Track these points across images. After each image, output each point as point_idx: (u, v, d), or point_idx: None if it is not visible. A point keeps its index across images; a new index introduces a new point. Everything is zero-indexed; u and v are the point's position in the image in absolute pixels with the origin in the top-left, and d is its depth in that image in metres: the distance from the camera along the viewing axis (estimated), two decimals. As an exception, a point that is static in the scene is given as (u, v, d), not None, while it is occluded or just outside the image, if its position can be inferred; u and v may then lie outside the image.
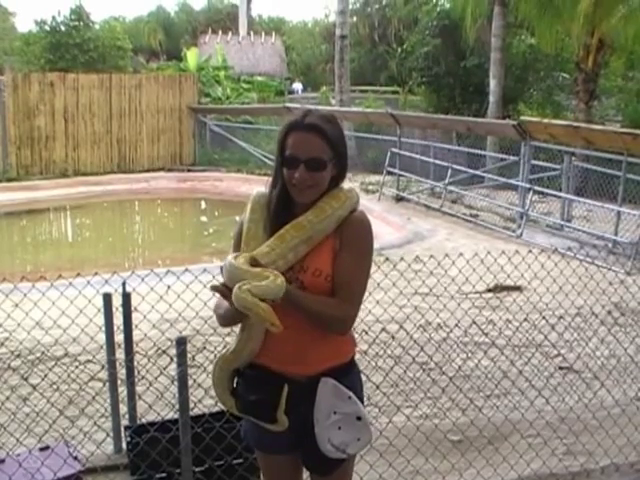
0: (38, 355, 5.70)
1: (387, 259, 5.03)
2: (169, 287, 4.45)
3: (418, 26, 27.04)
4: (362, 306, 5.57)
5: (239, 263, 2.46)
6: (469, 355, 6.10)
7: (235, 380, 2.78)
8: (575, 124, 13.15)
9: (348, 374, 2.75)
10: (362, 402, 2.75)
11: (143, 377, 4.98)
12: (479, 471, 4.43)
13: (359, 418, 2.66)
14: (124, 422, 4.61)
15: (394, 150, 15.61)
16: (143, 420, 4.69)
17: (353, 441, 2.67)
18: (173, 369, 4.39)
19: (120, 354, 4.54)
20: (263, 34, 46.57)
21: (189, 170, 20.84)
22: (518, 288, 7.82)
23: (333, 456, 2.68)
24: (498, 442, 4.81)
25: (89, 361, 5.64)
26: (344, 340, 2.74)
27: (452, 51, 22.88)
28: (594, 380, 5.79)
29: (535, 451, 4.68)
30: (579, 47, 17.91)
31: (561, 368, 6.12)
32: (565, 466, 4.61)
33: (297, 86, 40.55)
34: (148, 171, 20.60)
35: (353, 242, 2.62)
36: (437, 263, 4.93)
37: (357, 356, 2.84)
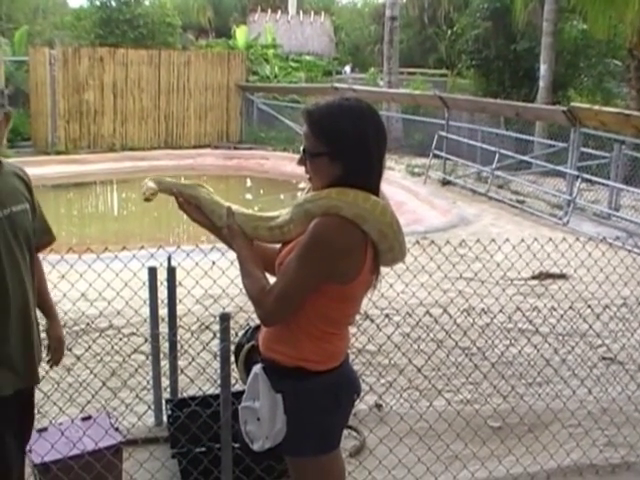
0: (83, 326, 5.75)
1: (432, 242, 4.99)
2: (214, 263, 4.45)
3: (469, 8, 26.70)
4: (406, 289, 5.51)
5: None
6: (512, 342, 6.05)
7: None
8: (627, 112, 12.88)
9: (283, 379, 2.56)
10: (298, 429, 2.54)
11: (185, 352, 5.03)
12: (518, 459, 4.41)
13: (258, 419, 2.58)
14: (165, 395, 4.66)
15: (442, 133, 15.49)
16: (184, 394, 4.73)
17: (262, 437, 2.57)
18: (215, 345, 4.41)
19: (163, 328, 4.58)
20: (312, 13, 46.33)
21: (235, 148, 20.92)
22: (564, 276, 7.73)
23: (244, 438, 2.65)
24: (538, 430, 4.78)
25: (133, 334, 5.70)
26: (297, 343, 2.55)
27: (502, 34, 22.54)
28: (638, 372, 5.73)
29: (576, 441, 4.64)
30: (632, 33, 17.49)
31: (604, 358, 6.05)
32: (605, 457, 4.56)
33: (346, 68, 40.34)
34: (195, 148, 20.76)
35: (300, 242, 2.47)
36: (483, 248, 4.88)
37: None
